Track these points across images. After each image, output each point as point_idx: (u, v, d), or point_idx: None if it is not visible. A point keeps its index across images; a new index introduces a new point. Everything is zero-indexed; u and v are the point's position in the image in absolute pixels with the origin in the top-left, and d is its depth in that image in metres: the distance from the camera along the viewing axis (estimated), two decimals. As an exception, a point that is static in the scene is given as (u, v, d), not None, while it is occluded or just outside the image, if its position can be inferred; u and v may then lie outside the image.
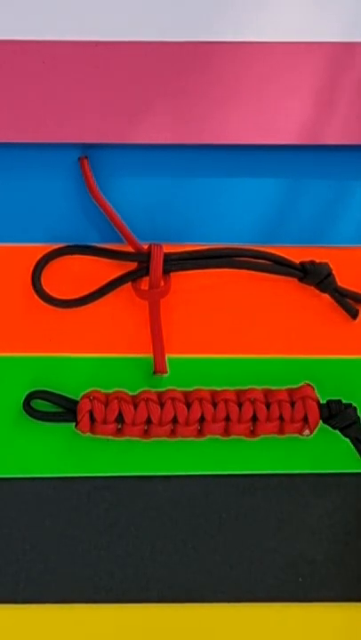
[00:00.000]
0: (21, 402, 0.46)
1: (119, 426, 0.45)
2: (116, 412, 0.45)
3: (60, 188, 0.46)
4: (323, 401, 0.46)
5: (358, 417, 0.46)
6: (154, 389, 0.46)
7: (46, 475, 0.46)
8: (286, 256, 0.46)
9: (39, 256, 0.45)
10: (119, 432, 0.45)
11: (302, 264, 0.46)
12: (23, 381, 0.46)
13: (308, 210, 0.47)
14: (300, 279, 0.46)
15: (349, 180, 0.47)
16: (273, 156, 0.47)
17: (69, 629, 0.46)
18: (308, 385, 0.46)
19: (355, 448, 0.46)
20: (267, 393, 0.45)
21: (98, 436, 0.45)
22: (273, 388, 0.46)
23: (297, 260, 0.46)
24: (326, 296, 0.46)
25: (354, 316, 0.47)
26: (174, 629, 0.47)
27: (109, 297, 0.46)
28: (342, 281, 0.46)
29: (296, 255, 0.46)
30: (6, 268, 0.46)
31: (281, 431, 0.45)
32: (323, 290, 0.46)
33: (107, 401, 0.45)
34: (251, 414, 0.45)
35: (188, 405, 0.45)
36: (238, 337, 0.46)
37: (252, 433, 0.45)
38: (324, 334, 0.47)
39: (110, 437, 0.45)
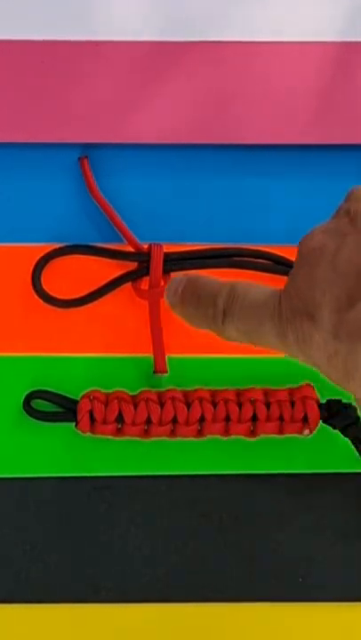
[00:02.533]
0: (21, 402, 0.46)
1: (119, 426, 0.45)
2: (116, 412, 0.45)
3: (60, 188, 0.46)
4: (323, 401, 0.46)
5: (358, 417, 0.46)
6: (154, 389, 0.46)
7: (46, 475, 0.46)
8: (286, 256, 0.46)
9: (39, 256, 0.46)
10: (119, 432, 0.45)
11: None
12: (23, 381, 0.46)
13: (308, 209, 0.47)
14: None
15: (351, 179, 0.47)
16: (273, 156, 0.47)
17: (69, 629, 0.46)
18: (309, 385, 0.46)
19: (355, 448, 0.46)
20: (267, 393, 0.45)
21: (98, 436, 0.45)
22: (273, 387, 0.46)
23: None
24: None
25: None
26: (174, 629, 0.46)
27: (109, 297, 0.46)
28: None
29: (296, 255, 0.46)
30: (6, 268, 0.46)
31: (281, 431, 0.45)
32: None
33: (107, 401, 0.45)
34: (251, 414, 0.45)
35: (188, 405, 0.45)
36: (238, 337, 0.46)
37: (252, 433, 0.45)
38: (324, 334, 0.47)
39: (110, 437, 0.45)
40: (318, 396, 0.45)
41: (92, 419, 0.45)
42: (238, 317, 0.35)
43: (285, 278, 0.46)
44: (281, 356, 0.46)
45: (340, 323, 0.31)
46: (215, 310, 0.36)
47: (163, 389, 0.46)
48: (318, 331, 0.32)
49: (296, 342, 0.33)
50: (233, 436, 0.45)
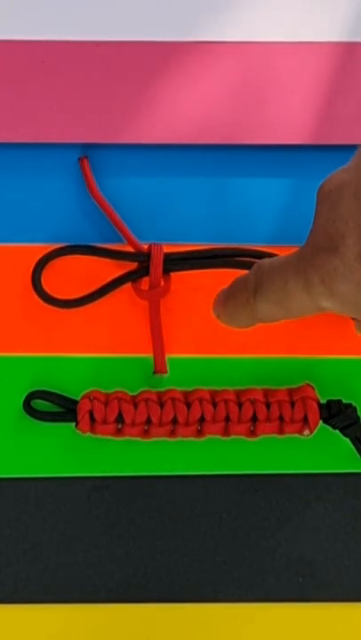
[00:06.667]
0: (21, 402, 0.46)
1: (119, 426, 0.45)
2: (116, 412, 0.45)
3: (60, 188, 0.46)
4: (323, 401, 0.46)
5: (358, 417, 0.46)
6: (154, 389, 0.46)
7: (46, 475, 0.46)
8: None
9: (39, 256, 0.46)
10: (119, 432, 0.45)
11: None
12: (23, 381, 0.46)
13: (307, 210, 0.47)
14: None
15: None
16: (273, 156, 0.47)
17: (69, 629, 0.46)
18: (309, 385, 0.46)
19: (355, 448, 0.46)
20: (267, 393, 0.45)
21: (98, 436, 0.45)
22: (273, 387, 0.46)
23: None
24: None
25: (354, 316, 0.46)
26: (174, 629, 0.46)
27: (109, 297, 0.46)
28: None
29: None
30: (6, 268, 0.46)
31: (281, 431, 0.45)
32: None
33: (107, 401, 0.45)
34: (251, 414, 0.45)
35: (188, 405, 0.45)
36: (238, 337, 0.46)
37: (252, 433, 0.45)
38: (324, 334, 0.47)
39: (110, 437, 0.45)
40: (318, 396, 0.45)
41: (92, 419, 0.45)
42: (266, 287, 0.35)
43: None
44: (281, 355, 0.47)
45: None
46: (247, 293, 0.35)
47: (163, 389, 0.46)
48: (343, 260, 0.32)
49: (322, 282, 0.33)
50: (233, 437, 0.45)
